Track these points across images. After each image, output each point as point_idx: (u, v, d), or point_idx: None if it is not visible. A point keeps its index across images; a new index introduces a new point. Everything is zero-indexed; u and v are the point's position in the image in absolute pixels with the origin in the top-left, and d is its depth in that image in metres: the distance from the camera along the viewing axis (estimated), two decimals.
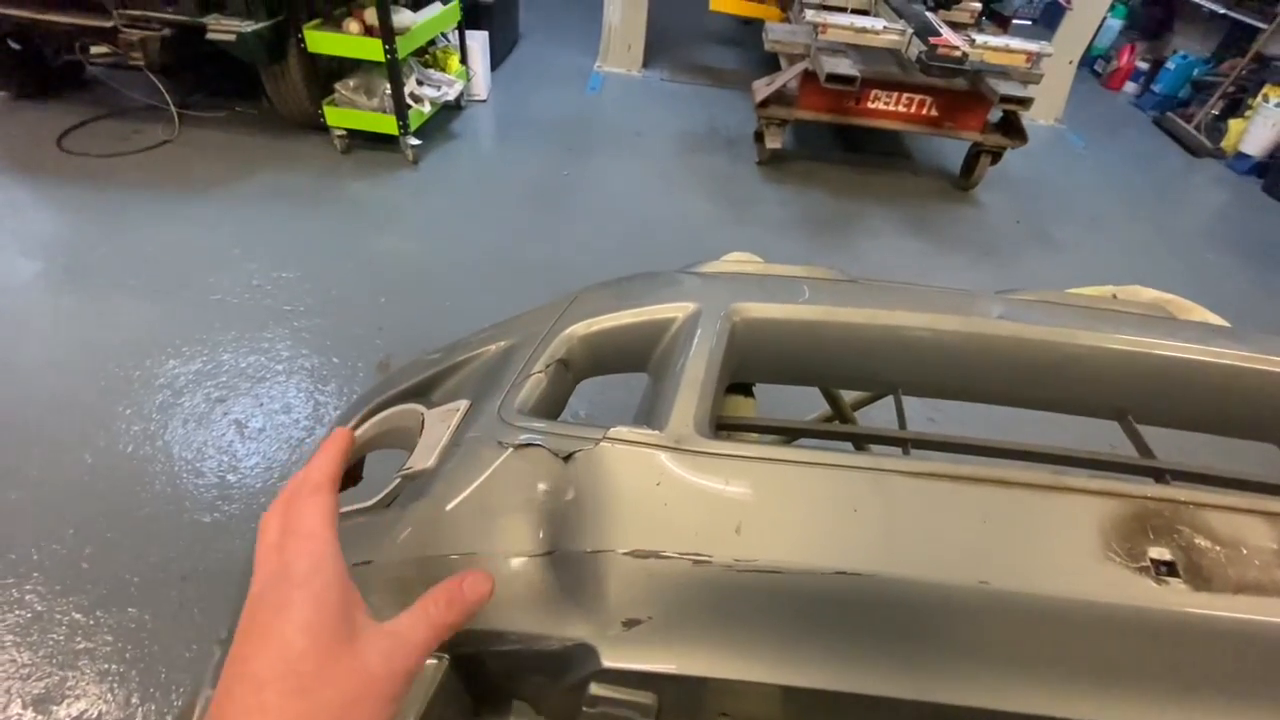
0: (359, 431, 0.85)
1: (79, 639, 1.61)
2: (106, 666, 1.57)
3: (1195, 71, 5.95)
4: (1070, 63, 5.10)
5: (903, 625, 0.51)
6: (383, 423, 0.84)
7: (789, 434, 0.88)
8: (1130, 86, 6.59)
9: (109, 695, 1.53)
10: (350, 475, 0.86)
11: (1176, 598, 0.50)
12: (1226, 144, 5.28)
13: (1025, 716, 0.48)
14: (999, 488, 0.56)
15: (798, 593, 0.52)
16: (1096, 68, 6.90)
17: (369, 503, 0.71)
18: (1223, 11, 5.80)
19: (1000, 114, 3.86)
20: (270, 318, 2.60)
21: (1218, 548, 0.52)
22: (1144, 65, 6.48)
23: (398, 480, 0.71)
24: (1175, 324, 0.90)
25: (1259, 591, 0.50)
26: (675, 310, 0.80)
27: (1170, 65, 6.07)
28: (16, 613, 1.64)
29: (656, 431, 0.61)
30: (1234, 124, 5.24)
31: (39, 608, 1.66)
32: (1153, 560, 0.52)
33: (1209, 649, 0.49)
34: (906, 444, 0.71)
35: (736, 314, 0.78)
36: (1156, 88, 6.17)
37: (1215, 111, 5.52)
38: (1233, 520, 0.54)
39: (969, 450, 0.72)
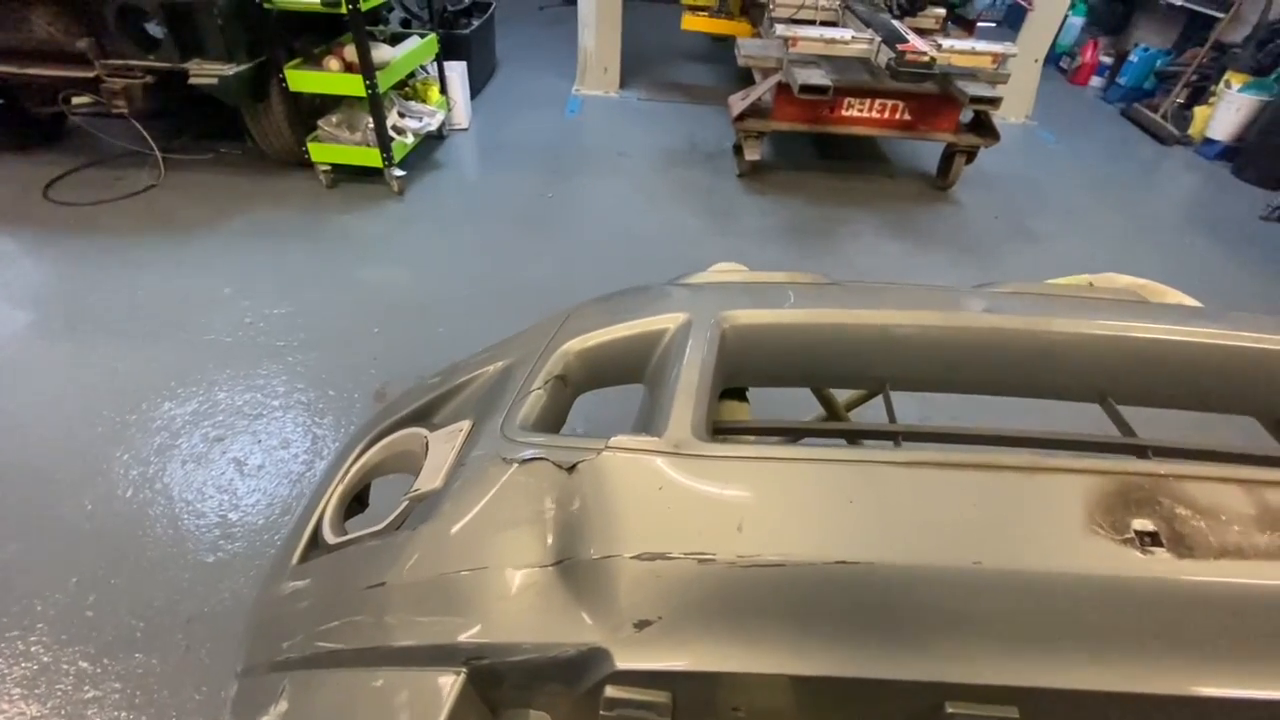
0: (363, 459, 0.87)
1: (87, 688, 1.60)
2: (116, 714, 1.56)
3: (1158, 63, 6.11)
4: (1036, 61, 5.23)
5: (903, 609, 0.53)
6: (386, 449, 0.85)
7: (783, 434, 0.90)
8: (1096, 81, 6.75)
9: None
10: (357, 501, 0.88)
11: (1161, 566, 0.52)
12: (1194, 131, 5.40)
13: (1025, 690, 0.50)
14: (986, 472, 0.59)
15: (800, 584, 0.54)
16: (1062, 65, 7.06)
17: (379, 526, 0.72)
18: (1180, 3, 5.97)
19: (971, 114, 3.95)
20: (264, 354, 2.60)
21: (1198, 517, 0.55)
22: (1107, 60, 6.65)
23: (406, 503, 0.73)
24: (1149, 307, 0.93)
25: (1239, 556, 0.52)
26: (667, 321, 0.82)
27: (1133, 58, 6.22)
28: (23, 665, 1.63)
29: (656, 438, 0.63)
30: (1199, 111, 5.37)
31: (45, 659, 1.64)
32: (1137, 532, 0.54)
33: (1195, 613, 0.51)
34: (897, 437, 0.73)
35: (726, 321, 0.81)
36: (1121, 80, 6.32)
37: (1180, 100, 5.66)
38: (1211, 490, 0.57)
39: (958, 440, 0.74)
